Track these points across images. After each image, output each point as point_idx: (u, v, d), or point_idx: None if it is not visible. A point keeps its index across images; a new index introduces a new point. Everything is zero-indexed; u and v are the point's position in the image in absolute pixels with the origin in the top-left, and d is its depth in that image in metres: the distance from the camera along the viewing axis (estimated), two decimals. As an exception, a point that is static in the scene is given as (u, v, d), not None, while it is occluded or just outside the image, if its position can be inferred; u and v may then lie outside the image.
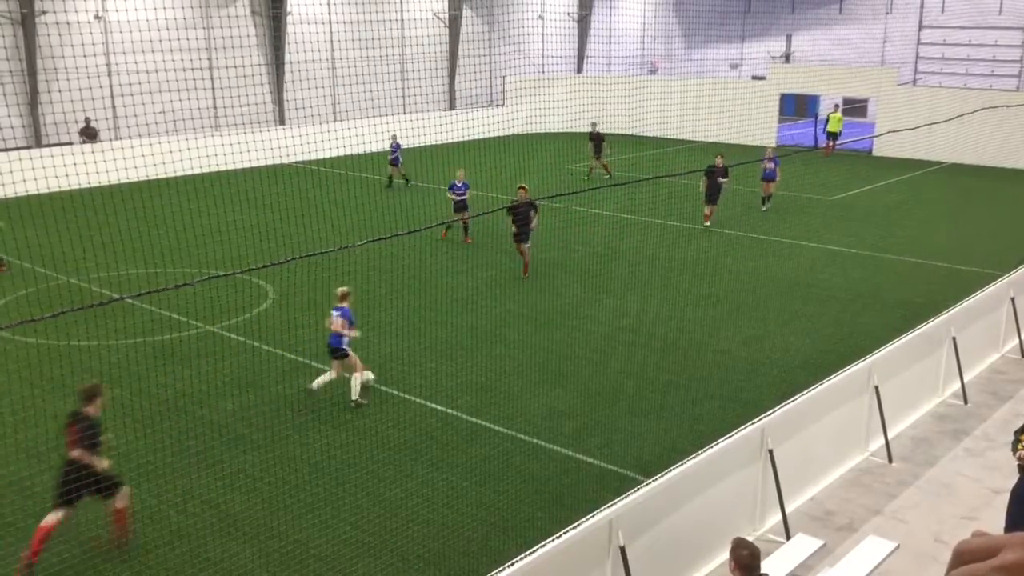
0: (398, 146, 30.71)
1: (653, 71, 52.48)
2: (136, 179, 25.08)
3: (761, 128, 39.17)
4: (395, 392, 13.48)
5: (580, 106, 38.39)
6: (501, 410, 12.84)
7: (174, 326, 16.30)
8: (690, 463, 9.10)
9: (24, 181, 20.47)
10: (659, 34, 53.39)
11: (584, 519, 8.12)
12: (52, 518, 9.03)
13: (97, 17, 32.37)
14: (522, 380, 14.01)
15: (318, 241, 21.04)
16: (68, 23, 31.42)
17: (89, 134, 32.16)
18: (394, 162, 30.53)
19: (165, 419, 12.56)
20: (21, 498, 10.42)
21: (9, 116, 30.33)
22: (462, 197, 22.49)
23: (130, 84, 31.37)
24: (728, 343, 15.70)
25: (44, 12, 30.98)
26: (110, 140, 31.69)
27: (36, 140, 31.48)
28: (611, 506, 8.29)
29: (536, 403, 13.16)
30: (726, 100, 37.57)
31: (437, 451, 11.71)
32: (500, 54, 45.16)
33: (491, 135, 35.97)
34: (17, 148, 29.14)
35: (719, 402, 13.29)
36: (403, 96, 41.81)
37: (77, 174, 24.83)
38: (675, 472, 8.94)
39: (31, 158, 25.67)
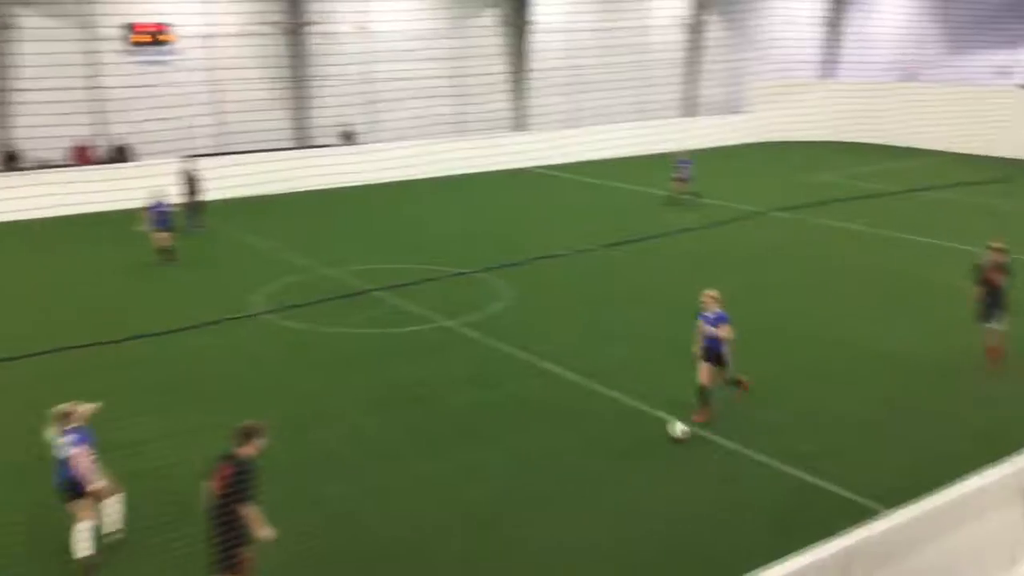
0: (687, 162, 28.06)
1: (909, 77, 49.23)
2: (388, 180, 26.65)
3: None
4: (619, 396, 13.47)
5: (829, 113, 36.74)
6: (729, 424, 12.50)
7: (415, 319, 17.12)
8: (938, 499, 8.45)
9: (291, 180, 22.26)
10: (917, 39, 50.03)
11: (815, 545, 7.75)
12: None
13: (359, 28, 34.65)
14: (755, 395, 13.58)
15: (554, 245, 21.43)
16: (334, 33, 33.91)
17: (347, 137, 34.54)
18: (681, 179, 27.83)
19: (405, 406, 13.24)
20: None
21: (280, 120, 33.18)
22: None
23: (385, 91, 33.38)
24: (999, 375, 14.32)
25: (313, 23, 33.57)
26: (367, 143, 33.84)
27: (303, 142, 34.16)
28: (847, 535, 7.86)
29: (768, 419, 12.71)
30: (991, 109, 34.60)
31: (659, 461, 11.58)
32: (743, 59, 44.05)
33: (731, 143, 35.18)
34: (286, 148, 31.81)
35: (977, 437, 12.19)
36: (642, 102, 41.74)
37: (336, 174, 26.80)
38: (922, 506, 8.33)
39: (298, 158, 27.95)
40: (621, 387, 13.77)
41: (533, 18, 38.39)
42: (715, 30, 44.15)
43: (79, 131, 29.57)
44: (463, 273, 17.08)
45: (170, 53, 31.19)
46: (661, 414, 12.79)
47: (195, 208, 24.59)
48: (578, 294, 18.72)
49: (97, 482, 9.37)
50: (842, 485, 10.87)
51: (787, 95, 40.29)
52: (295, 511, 10.09)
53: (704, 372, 12.61)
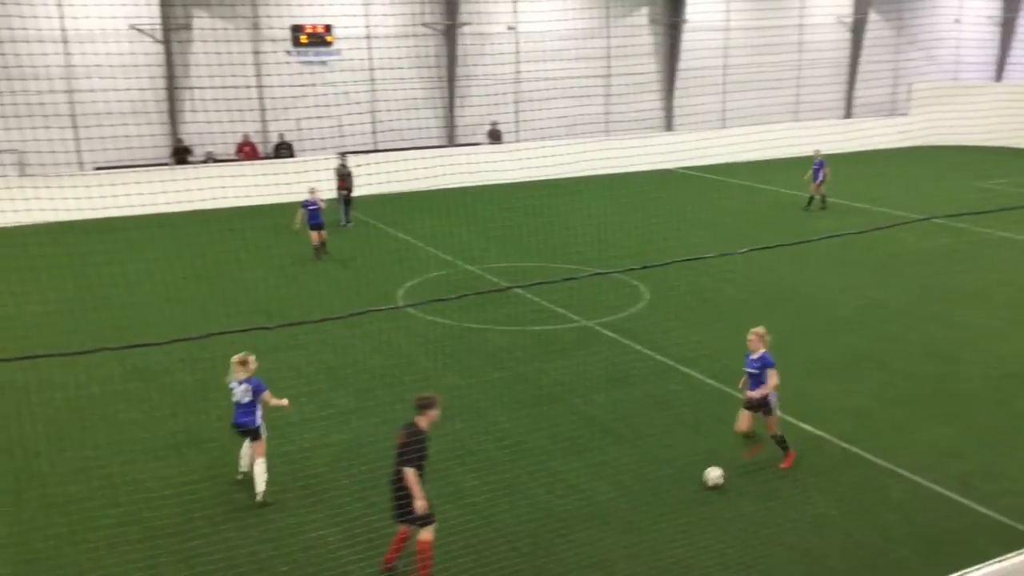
0: (821, 163, 27.09)
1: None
2: (534, 178, 26.85)
3: None
4: (764, 406, 13.13)
5: (999, 118, 34.64)
6: (879, 440, 12.01)
7: (555, 318, 17.23)
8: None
9: (439, 177, 22.77)
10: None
11: (966, 571, 7.36)
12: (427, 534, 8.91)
13: (510, 28, 35.06)
14: (905, 411, 13.00)
15: (697, 247, 21.08)
16: (484, 34, 34.44)
17: (494, 136, 35.02)
18: (815, 180, 27.00)
19: (542, 403, 13.35)
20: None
21: (431, 118, 33.98)
22: None
23: (533, 91, 33.65)
24: None
25: (465, 24, 34.19)
26: (513, 142, 34.22)
27: (450, 140, 34.87)
28: (999, 561, 7.44)
29: (920, 437, 12.14)
30: None
31: (804, 474, 11.23)
32: (907, 59, 42.09)
33: (892, 146, 33.71)
34: (435, 147, 32.57)
35: None
36: (796, 103, 40.53)
37: (483, 172, 27.10)
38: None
39: (446, 156, 28.57)
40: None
41: (685, 17, 37.86)
42: (877, 29, 42.37)
43: (245, 127, 31.15)
44: (603, 273, 17.07)
45: (330, 54, 32.44)
46: (806, 427, 12.42)
47: (347, 204, 25.59)
48: (719, 298, 18.39)
49: (283, 400, 10.86)
50: (998, 509, 10.28)
51: (954, 97, 38.21)
52: (435, 501, 10.33)
53: (743, 420, 11.25)
